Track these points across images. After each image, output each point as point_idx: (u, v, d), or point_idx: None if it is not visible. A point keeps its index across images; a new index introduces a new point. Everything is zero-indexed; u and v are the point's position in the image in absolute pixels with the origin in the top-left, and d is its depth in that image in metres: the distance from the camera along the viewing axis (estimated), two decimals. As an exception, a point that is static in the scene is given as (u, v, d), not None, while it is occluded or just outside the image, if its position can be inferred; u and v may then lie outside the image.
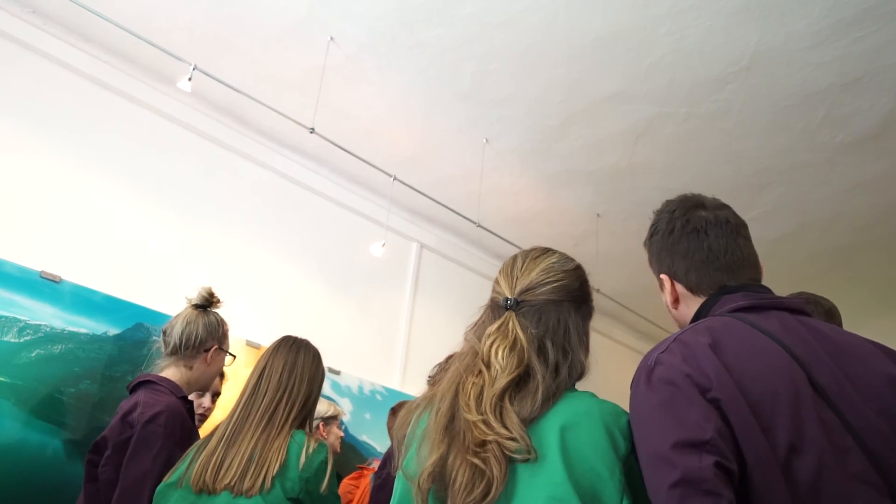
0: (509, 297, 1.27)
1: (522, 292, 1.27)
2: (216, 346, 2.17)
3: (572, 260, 1.34)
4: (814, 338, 1.09)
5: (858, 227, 4.35)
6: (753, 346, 1.07)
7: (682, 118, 3.49)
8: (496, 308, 1.29)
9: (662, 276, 1.33)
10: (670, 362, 1.06)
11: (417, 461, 1.18)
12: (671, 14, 2.87)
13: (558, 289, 1.27)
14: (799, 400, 1.00)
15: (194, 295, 2.19)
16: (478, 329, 1.29)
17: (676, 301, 1.31)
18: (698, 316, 1.25)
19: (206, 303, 2.19)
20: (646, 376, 1.08)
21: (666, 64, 3.14)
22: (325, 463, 1.81)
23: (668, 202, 1.37)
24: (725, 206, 1.32)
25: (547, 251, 1.35)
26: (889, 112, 3.32)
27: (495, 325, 1.24)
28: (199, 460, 1.77)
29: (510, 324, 1.23)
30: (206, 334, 2.14)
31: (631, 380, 1.13)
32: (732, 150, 3.71)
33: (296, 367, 1.97)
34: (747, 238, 1.29)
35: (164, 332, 2.13)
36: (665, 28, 2.94)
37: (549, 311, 1.25)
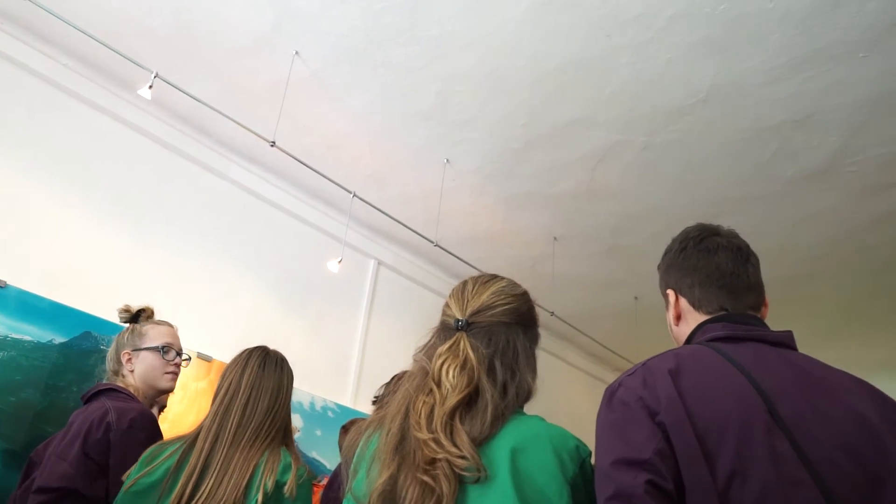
0: (460, 318, 1.29)
1: (473, 314, 1.29)
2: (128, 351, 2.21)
3: (520, 286, 1.38)
4: (788, 371, 1.12)
5: (804, 258, 4.48)
6: (713, 375, 1.11)
7: (641, 147, 3.56)
8: (446, 330, 1.31)
9: (668, 290, 1.38)
10: (630, 385, 1.11)
11: (367, 482, 1.18)
12: (633, 45, 2.94)
13: (508, 311, 1.30)
14: (750, 429, 1.02)
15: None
16: (428, 350, 1.30)
17: (678, 317, 1.35)
18: (688, 342, 1.29)
19: (130, 320, 2.28)
20: (608, 397, 1.13)
21: (626, 93, 3.21)
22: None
23: (687, 227, 1.42)
24: (739, 237, 1.37)
25: (496, 276, 1.39)
26: (836, 150, 3.44)
27: (446, 345, 1.25)
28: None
29: (461, 344, 1.24)
30: (116, 347, 2.22)
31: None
32: (688, 180, 3.80)
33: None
34: (756, 267, 1.34)
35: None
36: (626, 59, 3.01)
37: (498, 332, 1.27)
